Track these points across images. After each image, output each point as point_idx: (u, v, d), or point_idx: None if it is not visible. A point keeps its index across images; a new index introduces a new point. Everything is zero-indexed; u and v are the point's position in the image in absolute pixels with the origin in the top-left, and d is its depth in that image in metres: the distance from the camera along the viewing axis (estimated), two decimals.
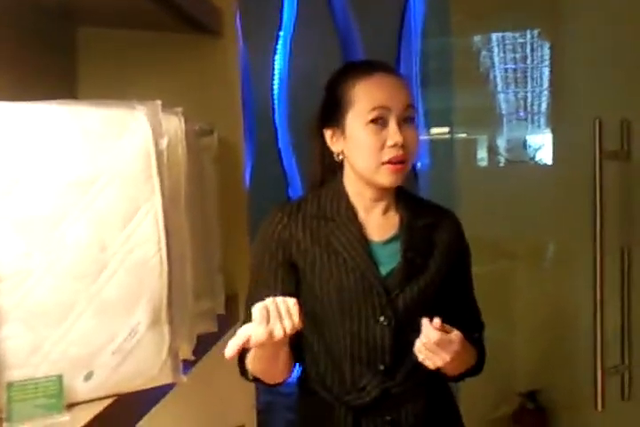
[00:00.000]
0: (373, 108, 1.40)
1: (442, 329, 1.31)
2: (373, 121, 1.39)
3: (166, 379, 1.14)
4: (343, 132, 1.44)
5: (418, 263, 1.46)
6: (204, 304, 1.49)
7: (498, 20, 3.23)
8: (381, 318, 1.42)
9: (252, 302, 1.44)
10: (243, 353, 1.44)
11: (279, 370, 1.43)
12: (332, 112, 1.46)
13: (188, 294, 1.32)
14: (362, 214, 1.48)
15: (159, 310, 1.11)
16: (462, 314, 1.56)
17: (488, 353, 1.61)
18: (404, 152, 1.39)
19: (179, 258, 1.23)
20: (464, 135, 3.54)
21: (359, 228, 1.45)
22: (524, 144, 3.35)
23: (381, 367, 1.43)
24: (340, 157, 1.47)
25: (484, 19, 3.24)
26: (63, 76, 1.73)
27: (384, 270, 1.44)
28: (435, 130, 3.66)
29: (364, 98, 1.41)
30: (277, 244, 1.46)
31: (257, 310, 1.19)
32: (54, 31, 1.69)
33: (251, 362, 1.43)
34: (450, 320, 1.52)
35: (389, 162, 1.39)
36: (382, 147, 1.39)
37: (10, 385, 0.95)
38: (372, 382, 1.44)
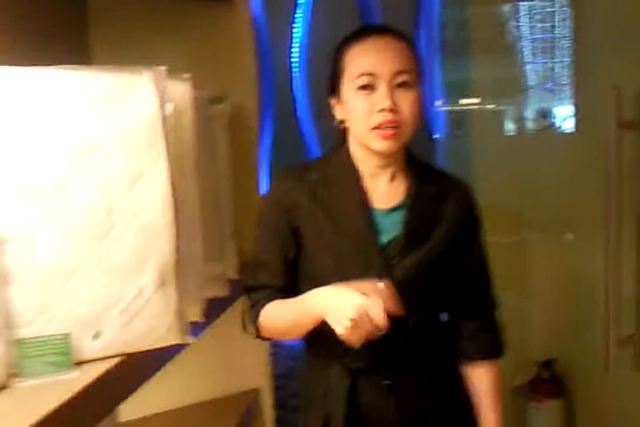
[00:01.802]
0: (360, 75, 1.39)
1: None
2: (361, 87, 1.39)
3: (173, 340, 1.16)
4: (340, 99, 1.45)
5: (420, 234, 1.46)
6: (215, 268, 1.52)
7: None
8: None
9: (253, 264, 1.49)
10: (254, 309, 1.47)
11: (303, 333, 1.46)
12: (332, 80, 1.47)
13: (197, 258, 1.34)
14: (367, 181, 1.48)
15: (166, 273, 1.13)
16: (470, 288, 1.56)
17: (505, 323, 1.61)
18: (395, 117, 1.38)
19: (186, 222, 1.25)
20: (482, 105, 3.52)
21: (362, 194, 1.46)
22: (545, 114, 3.32)
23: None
24: (343, 125, 1.48)
25: None
26: (75, 41, 1.74)
27: (385, 238, 1.45)
28: (453, 100, 3.64)
29: (352, 64, 1.41)
30: (281, 207, 1.48)
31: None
32: None
33: (275, 322, 1.46)
34: (455, 296, 1.53)
35: (379, 127, 1.38)
36: (371, 112, 1.39)
37: (19, 342, 0.98)
38: (369, 347, 1.45)
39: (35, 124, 1.00)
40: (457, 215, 1.51)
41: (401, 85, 1.39)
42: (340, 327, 1.27)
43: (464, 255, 1.54)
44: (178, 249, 1.14)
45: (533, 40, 3.31)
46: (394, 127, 1.38)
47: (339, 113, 1.48)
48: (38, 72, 1.02)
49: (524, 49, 3.33)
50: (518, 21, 3.32)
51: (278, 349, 1.78)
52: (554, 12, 3.26)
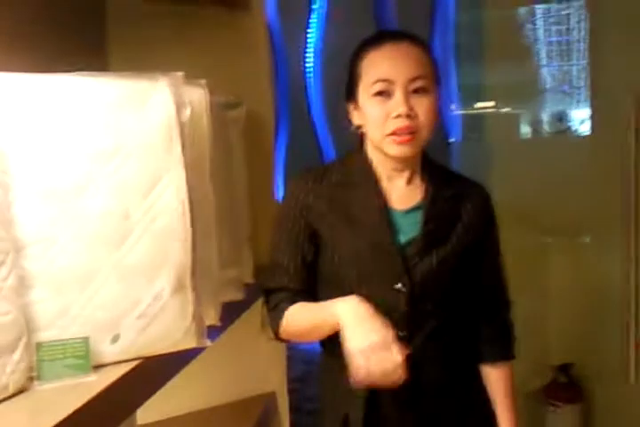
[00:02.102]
0: (376, 81, 1.40)
1: None
2: (377, 94, 1.40)
3: (190, 343, 1.17)
4: (357, 105, 1.46)
5: (439, 235, 1.47)
6: (231, 273, 1.53)
7: None
8: (398, 286, 1.43)
9: (272, 266, 1.49)
10: (277, 311, 1.47)
11: (323, 337, 1.47)
12: (350, 86, 1.48)
13: (214, 262, 1.35)
14: (385, 183, 1.49)
15: (183, 277, 1.14)
16: (486, 290, 1.57)
17: (522, 326, 1.63)
18: (411, 123, 1.39)
19: (203, 227, 1.26)
20: (498, 109, 3.51)
21: (380, 196, 1.47)
22: (561, 117, 3.31)
23: (400, 334, 1.45)
24: (360, 130, 1.49)
25: None
26: (93, 48, 1.76)
27: (404, 239, 1.46)
28: (468, 103, 3.64)
29: (369, 71, 1.42)
30: (300, 209, 1.48)
31: None
32: (85, 3, 1.71)
33: (297, 324, 1.46)
34: (471, 298, 1.55)
35: (395, 133, 1.39)
36: (387, 118, 1.39)
37: (39, 345, 0.99)
38: None
39: (53, 131, 1.01)
40: (474, 218, 1.52)
41: (417, 91, 1.40)
42: (357, 344, 1.28)
43: (481, 258, 1.55)
44: (194, 254, 1.15)
45: (549, 43, 3.30)
46: (410, 133, 1.39)
47: (356, 118, 1.49)
48: (57, 79, 1.03)
49: (539, 52, 3.32)
50: (534, 24, 3.31)
51: (293, 352, 1.78)
52: (569, 14, 3.25)
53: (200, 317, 1.20)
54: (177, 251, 1.12)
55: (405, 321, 1.45)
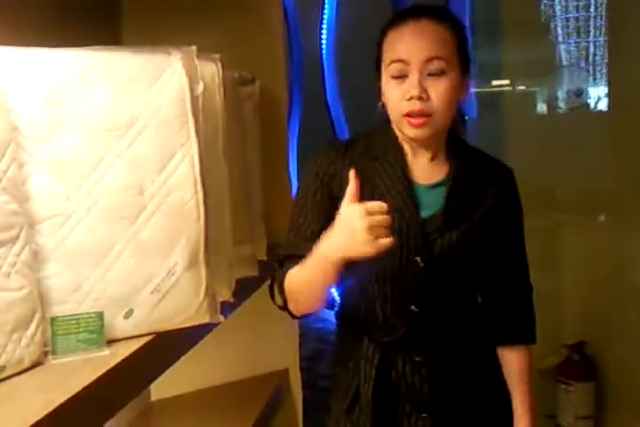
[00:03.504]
0: (392, 62, 1.38)
1: None
2: (394, 74, 1.38)
3: (203, 318, 1.18)
4: (381, 84, 1.44)
5: (460, 212, 1.45)
6: (245, 249, 1.53)
7: None
8: (417, 259, 1.42)
9: (292, 233, 1.47)
10: (279, 272, 1.44)
11: (321, 292, 1.37)
12: (376, 63, 1.46)
13: (227, 238, 1.35)
14: (409, 158, 1.48)
15: (196, 253, 1.14)
16: (510, 272, 1.55)
17: (536, 305, 1.61)
18: (423, 106, 1.36)
19: (216, 203, 1.26)
20: (515, 86, 3.48)
21: (404, 169, 1.46)
22: (578, 93, 3.27)
23: (413, 308, 1.45)
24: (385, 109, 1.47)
25: None
26: (108, 21, 1.75)
27: (425, 213, 1.44)
28: (486, 80, 3.60)
29: (388, 51, 1.40)
30: (323, 178, 1.46)
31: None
32: None
33: (299, 278, 1.41)
34: (493, 279, 1.53)
35: (408, 115, 1.38)
36: (402, 100, 1.38)
37: (53, 320, 1.00)
38: (403, 321, 1.45)
39: (66, 105, 1.01)
40: (499, 199, 1.50)
41: (433, 73, 1.38)
42: (365, 243, 1.22)
43: (504, 239, 1.54)
44: (207, 229, 1.15)
45: (567, 19, 3.25)
46: (424, 115, 1.37)
47: (383, 96, 1.47)
48: (70, 53, 1.03)
49: (557, 28, 3.28)
50: (551, 0, 3.26)
51: (306, 330, 1.79)
52: None
53: (213, 292, 1.20)
54: (191, 226, 1.13)
55: (420, 295, 1.44)
